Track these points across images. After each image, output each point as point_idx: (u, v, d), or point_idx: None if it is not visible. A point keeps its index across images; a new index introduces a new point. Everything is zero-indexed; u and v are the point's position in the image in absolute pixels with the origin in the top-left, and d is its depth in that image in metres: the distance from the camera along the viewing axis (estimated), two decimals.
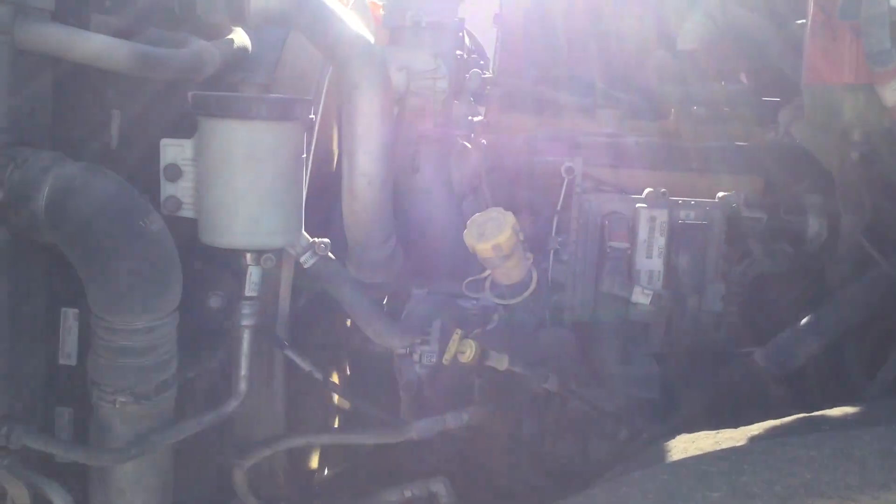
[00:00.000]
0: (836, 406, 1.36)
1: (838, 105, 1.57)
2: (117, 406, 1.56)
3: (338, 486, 1.97)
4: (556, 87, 2.63)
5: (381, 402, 1.97)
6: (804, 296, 2.00)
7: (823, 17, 1.55)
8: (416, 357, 1.92)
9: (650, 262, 1.94)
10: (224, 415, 1.69)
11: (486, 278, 1.74)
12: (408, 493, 1.78)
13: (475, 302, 1.91)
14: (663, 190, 1.96)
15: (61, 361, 1.70)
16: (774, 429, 1.30)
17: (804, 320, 1.77)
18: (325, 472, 2.23)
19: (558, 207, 1.98)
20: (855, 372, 1.78)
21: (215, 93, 1.61)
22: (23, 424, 1.56)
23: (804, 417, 1.32)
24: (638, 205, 1.94)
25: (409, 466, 1.97)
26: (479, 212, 2.11)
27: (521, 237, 1.64)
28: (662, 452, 1.37)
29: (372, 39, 1.68)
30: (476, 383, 1.89)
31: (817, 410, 1.37)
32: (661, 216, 1.93)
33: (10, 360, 1.58)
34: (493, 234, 1.60)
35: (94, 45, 1.52)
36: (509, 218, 1.62)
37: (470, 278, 1.76)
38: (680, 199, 1.96)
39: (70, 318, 1.69)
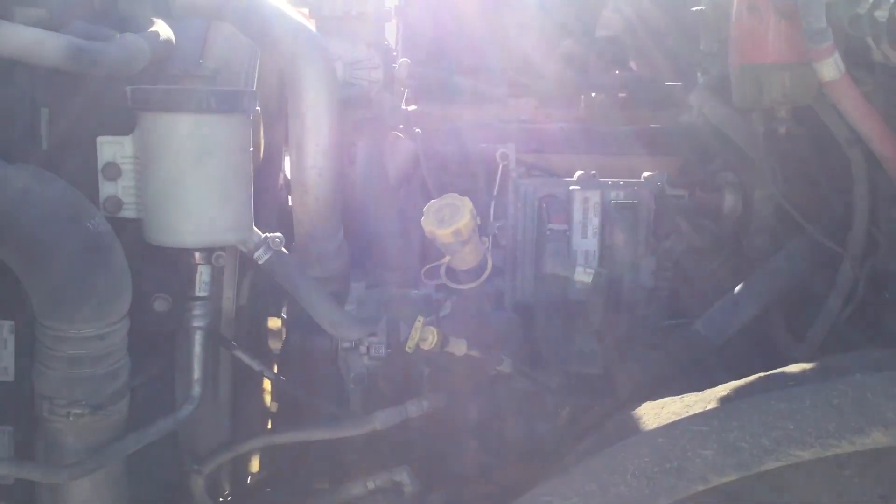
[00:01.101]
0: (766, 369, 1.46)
1: (765, 83, 1.67)
2: (71, 419, 1.48)
3: (289, 485, 1.94)
4: (467, 77, 2.66)
5: (326, 397, 1.95)
6: (724, 267, 2.12)
7: (750, 0, 1.64)
8: (363, 349, 1.92)
9: (586, 241, 2.00)
10: (180, 420, 1.64)
11: (441, 265, 1.75)
12: (371, 485, 1.77)
13: (422, 290, 1.92)
14: (594, 172, 2.03)
15: None
16: (739, 389, 1.38)
17: (736, 290, 1.88)
18: (266, 472, 2.19)
19: (495, 192, 2.01)
20: (782, 336, 1.90)
21: (158, 86, 1.55)
22: None
23: (764, 376, 1.40)
24: (571, 187, 2.00)
25: (359, 459, 1.97)
26: (413, 201, 2.13)
27: (478, 221, 1.66)
28: (635, 420, 1.42)
29: (313, 29, 1.66)
30: (425, 372, 1.91)
31: (751, 374, 1.46)
32: (594, 197, 1.99)
33: None
34: (452, 220, 1.61)
35: (25, 38, 1.44)
36: (467, 202, 1.64)
37: (428, 265, 1.77)
38: (609, 181, 2.04)
39: (5, 331, 1.59)
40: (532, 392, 1.93)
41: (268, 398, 2.24)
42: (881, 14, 1.37)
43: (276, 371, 1.99)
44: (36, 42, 1.44)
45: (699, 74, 2.48)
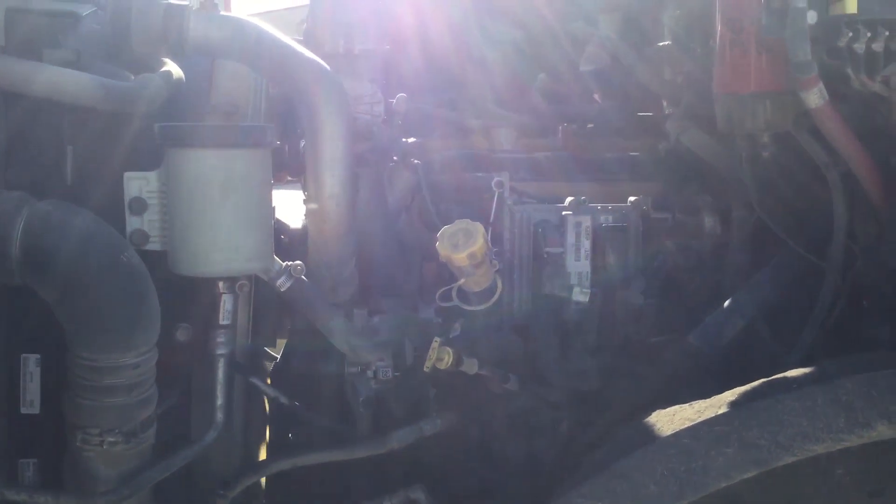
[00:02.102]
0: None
1: (748, 111, 1.80)
2: (105, 447, 1.52)
3: None
4: (450, 109, 2.77)
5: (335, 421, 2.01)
6: (707, 284, 2.24)
7: (732, 35, 1.78)
8: (370, 373, 1.99)
9: (579, 264, 2.10)
10: (205, 446, 1.68)
11: (452, 288, 1.83)
12: None
13: (424, 314, 1.99)
14: (583, 197, 2.14)
15: (23, 410, 1.63)
16: (746, 393, 1.48)
17: (726, 303, 1.99)
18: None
19: (491, 219, 2.10)
20: (769, 346, 2.02)
21: (185, 123, 1.61)
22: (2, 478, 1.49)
23: (767, 381, 1.50)
24: (564, 213, 2.10)
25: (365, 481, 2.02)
26: (411, 229, 2.21)
27: (490, 245, 1.75)
28: (650, 427, 1.51)
29: (327, 66, 1.75)
30: (432, 393, 1.98)
31: (743, 383, 1.56)
32: (586, 221, 2.10)
33: None
34: (467, 244, 1.70)
35: (56, 78, 1.50)
36: (479, 227, 1.73)
37: (442, 289, 1.85)
38: (599, 206, 2.15)
39: (31, 365, 1.63)
40: (534, 409, 2.02)
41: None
42: (859, 46, 1.51)
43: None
44: (69, 82, 1.50)
45: (664, 104, 2.63)
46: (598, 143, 2.73)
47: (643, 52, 2.51)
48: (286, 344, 2.21)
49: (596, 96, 2.95)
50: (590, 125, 2.84)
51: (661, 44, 2.48)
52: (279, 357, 2.18)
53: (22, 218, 1.44)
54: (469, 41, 2.81)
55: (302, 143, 2.09)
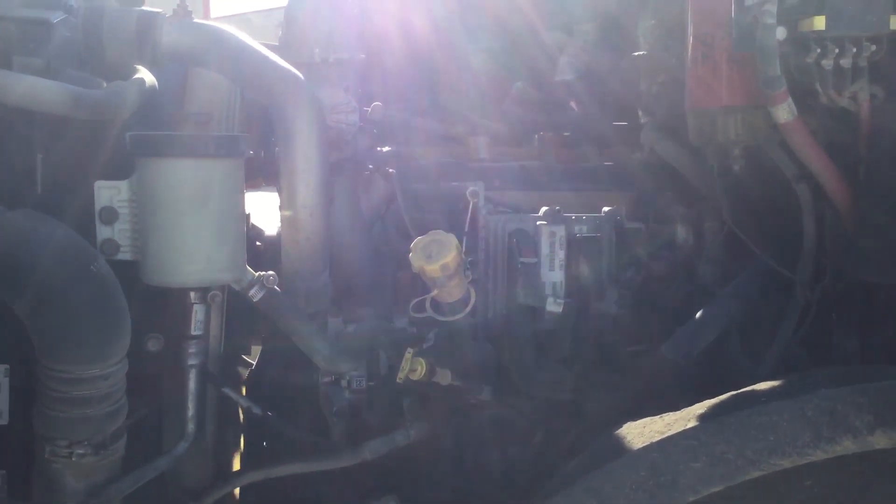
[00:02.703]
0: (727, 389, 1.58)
1: (718, 124, 1.82)
2: (73, 459, 1.51)
3: None
4: (425, 117, 2.77)
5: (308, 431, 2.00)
6: (680, 294, 2.25)
7: (704, 49, 1.79)
8: (344, 383, 1.98)
9: (553, 273, 2.11)
10: (175, 458, 1.67)
11: (426, 299, 1.83)
12: None
13: (399, 324, 1.99)
14: (558, 207, 2.15)
15: None
16: (715, 406, 1.49)
17: (698, 315, 2.01)
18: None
19: (466, 228, 2.10)
20: (741, 358, 2.04)
21: (158, 132, 1.60)
22: None
23: (737, 394, 1.51)
24: (538, 222, 2.11)
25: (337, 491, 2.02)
26: (386, 238, 2.21)
27: (463, 256, 1.75)
28: (620, 439, 1.52)
29: (300, 74, 1.74)
30: (405, 403, 1.98)
31: (713, 395, 1.58)
32: (560, 231, 2.11)
33: None
34: (440, 255, 1.70)
35: (29, 87, 1.48)
36: (452, 238, 1.73)
37: (416, 299, 1.85)
38: (573, 216, 2.16)
39: (0, 375, 1.61)
40: (508, 419, 2.02)
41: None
42: (827, 63, 1.53)
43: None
44: (41, 90, 1.49)
45: (640, 113, 2.65)
46: (574, 153, 2.74)
47: (619, 62, 2.53)
48: (261, 352, 2.21)
49: (573, 105, 2.97)
50: (566, 134, 2.86)
51: (636, 53, 2.50)
52: (254, 364, 2.17)
53: None
54: (446, 49, 2.81)
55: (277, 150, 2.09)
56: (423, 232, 1.92)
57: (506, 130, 2.81)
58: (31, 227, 1.46)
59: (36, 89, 1.48)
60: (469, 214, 2.11)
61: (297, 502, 1.99)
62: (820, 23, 1.47)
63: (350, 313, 2.07)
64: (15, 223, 1.45)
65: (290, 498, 2.04)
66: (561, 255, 2.11)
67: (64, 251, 1.47)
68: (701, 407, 1.51)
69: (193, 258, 1.59)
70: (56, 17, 1.59)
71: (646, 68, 2.44)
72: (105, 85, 1.72)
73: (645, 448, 1.33)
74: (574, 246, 2.12)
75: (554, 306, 2.02)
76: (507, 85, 2.90)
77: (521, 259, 2.05)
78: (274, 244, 2.09)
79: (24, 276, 1.44)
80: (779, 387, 1.50)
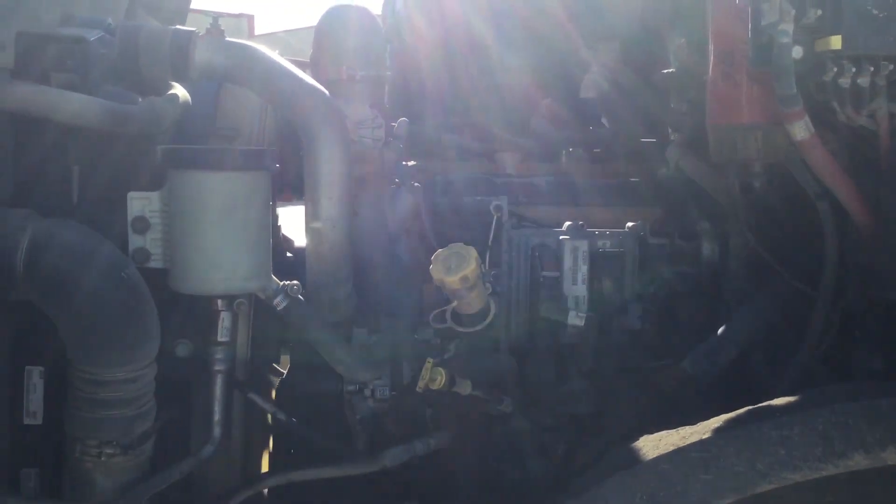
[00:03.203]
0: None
1: (740, 142, 1.83)
2: (102, 459, 1.56)
3: None
4: (454, 133, 2.81)
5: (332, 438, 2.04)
6: (703, 310, 2.26)
7: (724, 67, 1.81)
8: (367, 392, 2.02)
9: (576, 288, 2.13)
10: (201, 460, 1.72)
11: (446, 310, 1.87)
12: None
13: (421, 335, 2.03)
14: (581, 222, 2.17)
15: (26, 421, 1.68)
16: (731, 420, 1.50)
17: (720, 331, 2.01)
18: None
19: (490, 242, 2.14)
20: (761, 373, 2.04)
21: (189, 146, 1.66)
22: (6, 486, 1.53)
23: (753, 409, 1.52)
24: (561, 237, 2.14)
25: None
26: (411, 251, 2.25)
27: (483, 268, 1.78)
28: (635, 451, 1.54)
29: (324, 90, 1.80)
30: (427, 412, 2.01)
31: (734, 409, 1.58)
32: (583, 246, 2.13)
33: None
34: (459, 267, 1.73)
35: (69, 103, 1.55)
36: (472, 251, 1.76)
37: (436, 311, 1.88)
38: (596, 231, 2.18)
39: (35, 376, 1.67)
40: (528, 431, 2.04)
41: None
42: (844, 81, 1.54)
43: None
44: (79, 106, 1.55)
45: (669, 130, 2.66)
46: (602, 169, 2.77)
47: (649, 78, 2.55)
48: (291, 360, 2.25)
49: (604, 121, 2.99)
50: (596, 150, 2.88)
51: (665, 71, 2.52)
52: (285, 373, 2.22)
53: (27, 234, 1.50)
54: (474, 66, 2.86)
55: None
56: (446, 245, 1.96)
57: (534, 146, 2.85)
58: (65, 234, 1.52)
59: (75, 105, 1.55)
60: (493, 228, 2.15)
61: None
62: (836, 42, 1.48)
63: (375, 324, 2.11)
64: (48, 230, 1.52)
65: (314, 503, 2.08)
66: (584, 269, 2.13)
67: (95, 257, 1.53)
68: (717, 421, 1.52)
69: (220, 267, 1.64)
70: (93, 35, 1.66)
71: (675, 85, 2.46)
72: (140, 100, 1.79)
73: (655, 459, 1.35)
74: (597, 261, 2.14)
75: (576, 320, 2.04)
76: (535, 101, 2.94)
77: (544, 273, 2.08)
78: (302, 255, 2.14)
79: (55, 282, 1.50)
80: (794, 402, 1.50)
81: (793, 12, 1.48)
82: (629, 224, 2.22)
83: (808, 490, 1.34)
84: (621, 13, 2.32)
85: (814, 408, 1.37)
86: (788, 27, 1.49)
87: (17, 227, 1.50)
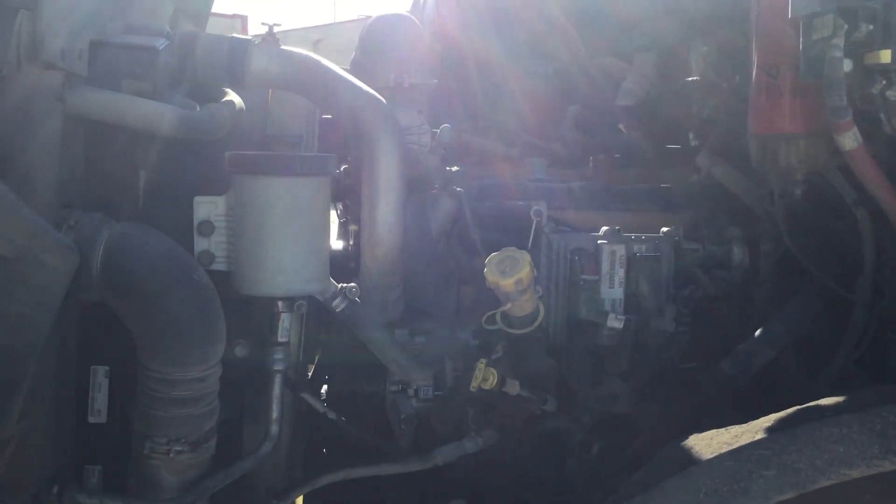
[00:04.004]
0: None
1: (781, 151, 1.89)
2: (171, 456, 1.60)
3: None
4: (482, 137, 2.87)
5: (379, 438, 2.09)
6: (735, 313, 2.32)
7: (768, 79, 1.87)
8: (411, 392, 2.07)
9: (613, 291, 2.19)
10: (261, 457, 1.76)
11: (496, 312, 1.92)
12: None
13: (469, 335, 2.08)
14: (618, 227, 2.23)
15: (91, 420, 1.72)
16: (781, 420, 1.56)
17: (757, 332, 2.07)
18: None
19: (529, 246, 2.19)
20: (797, 377, 2.10)
21: (255, 152, 1.71)
22: (74, 483, 1.58)
23: (802, 409, 1.58)
24: (599, 241, 2.19)
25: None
26: (451, 255, 2.30)
27: (535, 272, 1.84)
28: (688, 450, 1.59)
29: (382, 98, 1.85)
30: (469, 412, 2.06)
31: (771, 412, 1.64)
32: (620, 250, 2.19)
33: (56, 421, 1.59)
34: (514, 271, 1.79)
35: (144, 110, 1.59)
36: (525, 255, 1.82)
37: (488, 312, 1.93)
38: (633, 235, 2.23)
39: (100, 376, 1.72)
40: (567, 430, 2.10)
41: None
42: (891, 94, 1.60)
43: None
44: (152, 113, 1.59)
45: (691, 136, 2.73)
46: (628, 174, 2.83)
47: (671, 86, 2.61)
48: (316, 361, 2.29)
49: (621, 127, 3.05)
50: (617, 155, 2.94)
51: (689, 79, 2.58)
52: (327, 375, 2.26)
53: (102, 238, 1.54)
54: (502, 73, 2.91)
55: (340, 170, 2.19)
56: (489, 249, 2.01)
57: (563, 152, 2.91)
58: (139, 238, 1.57)
59: (150, 112, 1.59)
60: (532, 232, 2.20)
61: None
62: (886, 56, 1.54)
63: (414, 325, 2.16)
64: (123, 234, 1.56)
65: (355, 501, 2.12)
66: (621, 273, 2.19)
67: (168, 260, 1.57)
68: (767, 420, 1.58)
69: (284, 270, 1.68)
70: (161, 43, 1.71)
71: (698, 93, 2.52)
72: (197, 107, 1.83)
73: (719, 456, 1.41)
74: (634, 264, 2.19)
75: (615, 322, 2.10)
76: (561, 108, 3.00)
77: (583, 276, 2.13)
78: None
79: (130, 284, 1.54)
80: (844, 402, 1.56)
81: (845, 27, 1.54)
82: (664, 229, 2.28)
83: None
84: (658, 24, 2.38)
85: (867, 407, 1.43)
86: (840, 41, 1.55)
87: (93, 231, 1.54)
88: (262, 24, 1.98)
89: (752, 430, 1.56)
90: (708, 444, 1.59)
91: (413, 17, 2.24)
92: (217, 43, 1.88)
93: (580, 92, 2.94)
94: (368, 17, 2.36)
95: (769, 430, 1.53)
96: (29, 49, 1.38)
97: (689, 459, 1.54)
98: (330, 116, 2.14)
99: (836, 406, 1.54)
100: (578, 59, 2.81)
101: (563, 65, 2.92)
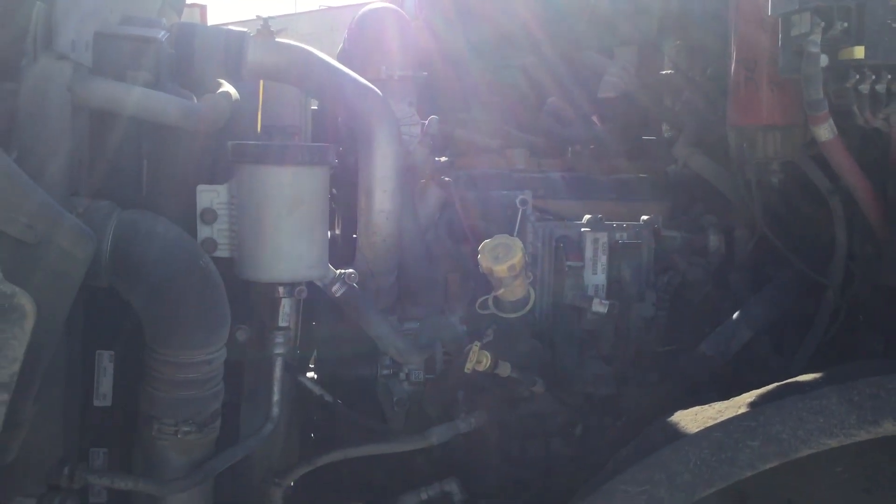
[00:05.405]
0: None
1: (758, 141, 1.99)
2: (179, 436, 1.65)
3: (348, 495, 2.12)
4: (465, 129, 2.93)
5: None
6: (712, 298, 2.41)
7: (746, 73, 1.96)
8: (402, 375, 2.14)
9: (596, 277, 2.27)
10: (262, 438, 1.82)
11: (489, 297, 1.99)
12: (424, 496, 1.98)
13: (456, 321, 2.15)
14: (600, 215, 2.31)
15: (96, 403, 1.76)
16: (763, 395, 1.65)
17: (735, 315, 2.17)
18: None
19: (515, 234, 2.26)
20: (771, 356, 2.20)
21: (257, 142, 1.75)
22: (83, 463, 1.62)
23: (782, 385, 1.67)
24: (582, 229, 2.27)
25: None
26: (438, 243, 2.36)
27: (527, 259, 1.91)
28: (675, 425, 1.68)
29: (377, 90, 1.90)
30: (459, 394, 2.13)
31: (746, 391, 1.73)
32: (603, 238, 2.27)
33: (64, 405, 1.63)
34: (507, 257, 1.86)
35: (150, 100, 1.63)
36: (517, 242, 1.89)
37: (481, 298, 2.00)
38: (614, 223, 2.32)
39: (105, 360, 1.76)
40: (552, 411, 2.18)
41: None
42: (864, 88, 1.69)
43: None
44: (156, 102, 1.63)
45: (664, 127, 2.82)
46: (604, 164, 2.91)
47: (645, 79, 2.70)
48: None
49: (595, 119, 3.13)
50: (591, 146, 3.02)
51: (662, 72, 2.67)
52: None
53: (111, 226, 1.58)
54: (483, 65, 2.97)
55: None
56: (479, 237, 2.08)
57: (542, 143, 2.98)
58: (146, 225, 1.61)
59: (152, 101, 1.63)
60: (518, 221, 2.27)
61: (354, 486, 2.13)
62: (860, 52, 1.63)
63: (403, 311, 2.22)
64: (131, 221, 1.60)
65: (346, 482, 2.18)
66: (603, 259, 2.27)
67: (175, 247, 1.62)
68: (749, 396, 1.67)
69: (285, 256, 1.74)
70: (162, 34, 1.75)
71: (671, 86, 2.61)
72: (195, 98, 1.87)
73: (708, 428, 1.49)
74: (616, 251, 2.27)
75: (600, 307, 2.18)
76: (540, 100, 3.07)
77: (568, 262, 2.21)
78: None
79: (139, 270, 1.59)
80: (821, 377, 1.65)
81: (822, 24, 1.63)
82: (644, 217, 2.36)
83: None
84: (640, 18, 2.46)
85: (844, 381, 1.52)
86: (817, 38, 1.64)
87: (102, 219, 1.58)
88: (257, 16, 2.02)
89: (736, 406, 1.65)
90: (693, 418, 1.67)
91: (401, 11, 2.30)
92: (214, 35, 1.92)
93: (559, 85, 3.01)
94: (330, 9, 2.40)
95: (751, 405, 1.63)
96: (44, 40, 1.42)
97: (678, 433, 1.63)
98: (316, 108, 2.20)
99: (814, 381, 1.64)
100: (544, 56, 2.88)
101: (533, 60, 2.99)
